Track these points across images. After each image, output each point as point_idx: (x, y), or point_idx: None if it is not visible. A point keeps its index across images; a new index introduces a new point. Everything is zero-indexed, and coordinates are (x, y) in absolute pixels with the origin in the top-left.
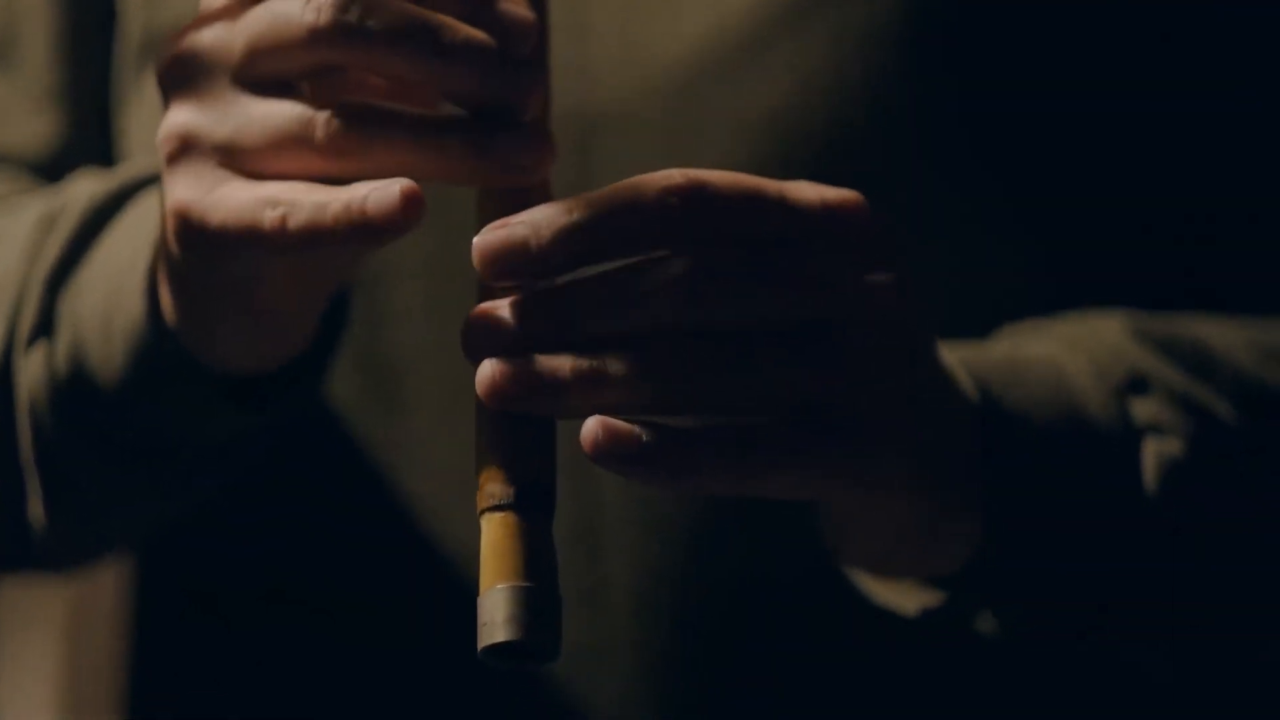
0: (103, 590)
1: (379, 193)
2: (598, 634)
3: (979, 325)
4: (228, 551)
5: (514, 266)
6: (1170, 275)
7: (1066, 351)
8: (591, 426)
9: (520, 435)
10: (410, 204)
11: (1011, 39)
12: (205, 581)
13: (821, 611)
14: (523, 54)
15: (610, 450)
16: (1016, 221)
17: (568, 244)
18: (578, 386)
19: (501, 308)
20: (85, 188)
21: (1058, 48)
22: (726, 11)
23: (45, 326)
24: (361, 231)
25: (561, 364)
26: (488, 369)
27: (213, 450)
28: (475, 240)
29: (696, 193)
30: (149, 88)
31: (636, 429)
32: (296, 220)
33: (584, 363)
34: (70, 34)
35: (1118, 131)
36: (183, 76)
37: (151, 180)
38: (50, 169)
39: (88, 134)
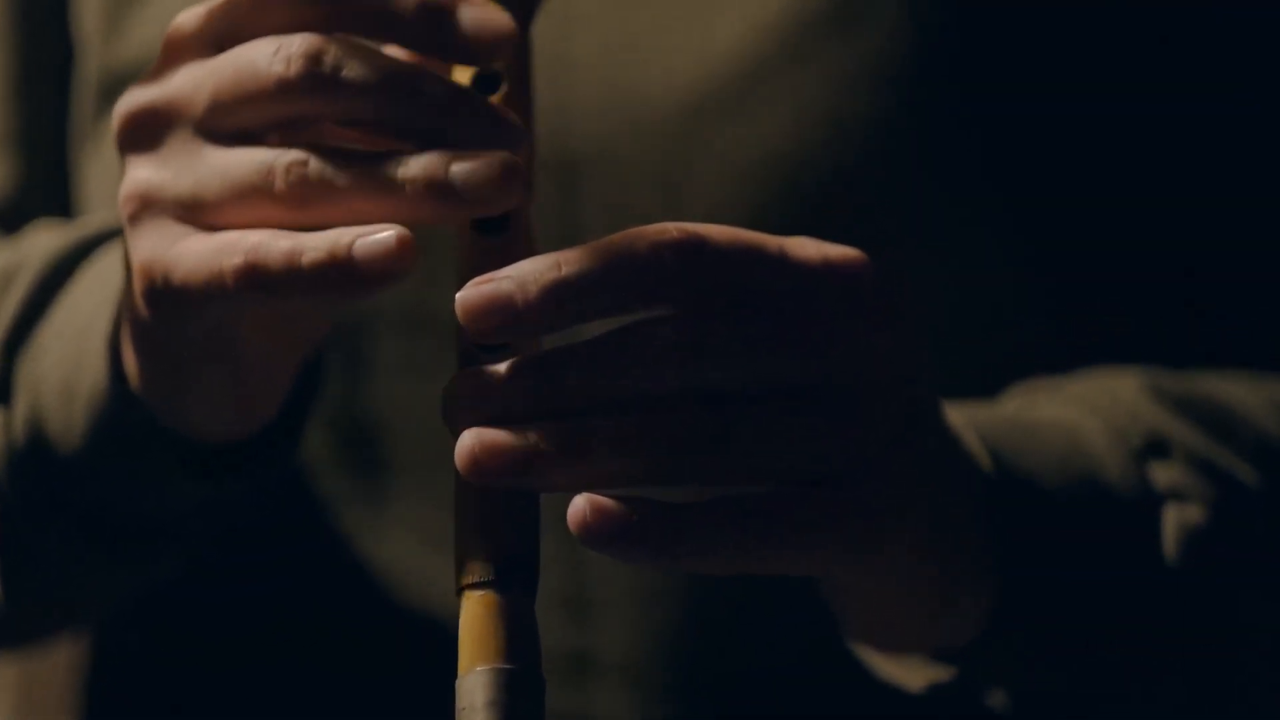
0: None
1: (368, 239)
2: (583, 704)
3: (986, 367)
4: (193, 614)
5: (499, 323)
6: (1183, 309)
7: (1081, 412)
8: (580, 506)
9: (502, 508)
10: (404, 251)
11: (1018, 77)
12: (169, 645)
13: (820, 683)
14: (498, 65)
15: (601, 531)
16: (1026, 263)
17: (556, 300)
18: (564, 461)
19: (484, 375)
20: (42, 243)
21: (1065, 86)
22: (717, 46)
23: (2, 393)
24: (345, 280)
25: (546, 436)
26: (468, 441)
27: (178, 522)
28: (459, 295)
29: (692, 248)
30: (106, 131)
31: (627, 507)
32: (266, 269)
33: (570, 435)
34: (25, 76)
35: (1131, 171)
36: (142, 132)
37: (110, 234)
38: (5, 217)
39: (44, 180)
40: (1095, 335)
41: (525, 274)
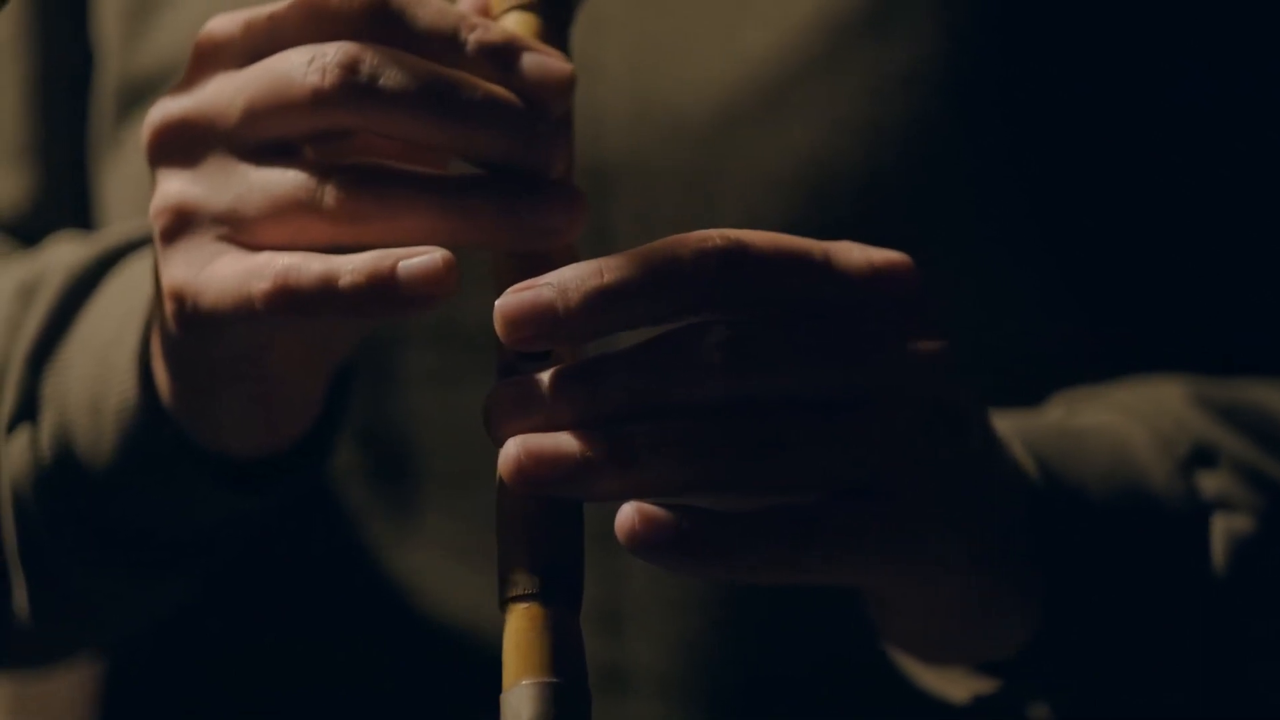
0: None
1: (414, 261)
2: (617, 718)
3: (1021, 375)
4: (216, 628)
5: (539, 330)
6: (1221, 315)
7: (1126, 420)
8: (628, 514)
9: (546, 520)
10: (450, 273)
11: (1052, 82)
12: (190, 658)
13: (861, 696)
14: (557, 111)
15: (649, 540)
16: (1061, 268)
17: (597, 308)
18: (610, 468)
19: (526, 384)
20: (64, 254)
21: (1100, 92)
22: (749, 53)
23: (28, 409)
24: (386, 302)
25: (592, 444)
26: (513, 449)
27: (205, 538)
28: (498, 302)
29: (736, 254)
30: (127, 140)
31: (676, 516)
32: (299, 292)
33: (617, 443)
34: (43, 85)
35: (1165, 176)
36: (174, 144)
37: (134, 245)
38: (23, 228)
39: (62, 190)
40: (1132, 342)
41: (567, 280)
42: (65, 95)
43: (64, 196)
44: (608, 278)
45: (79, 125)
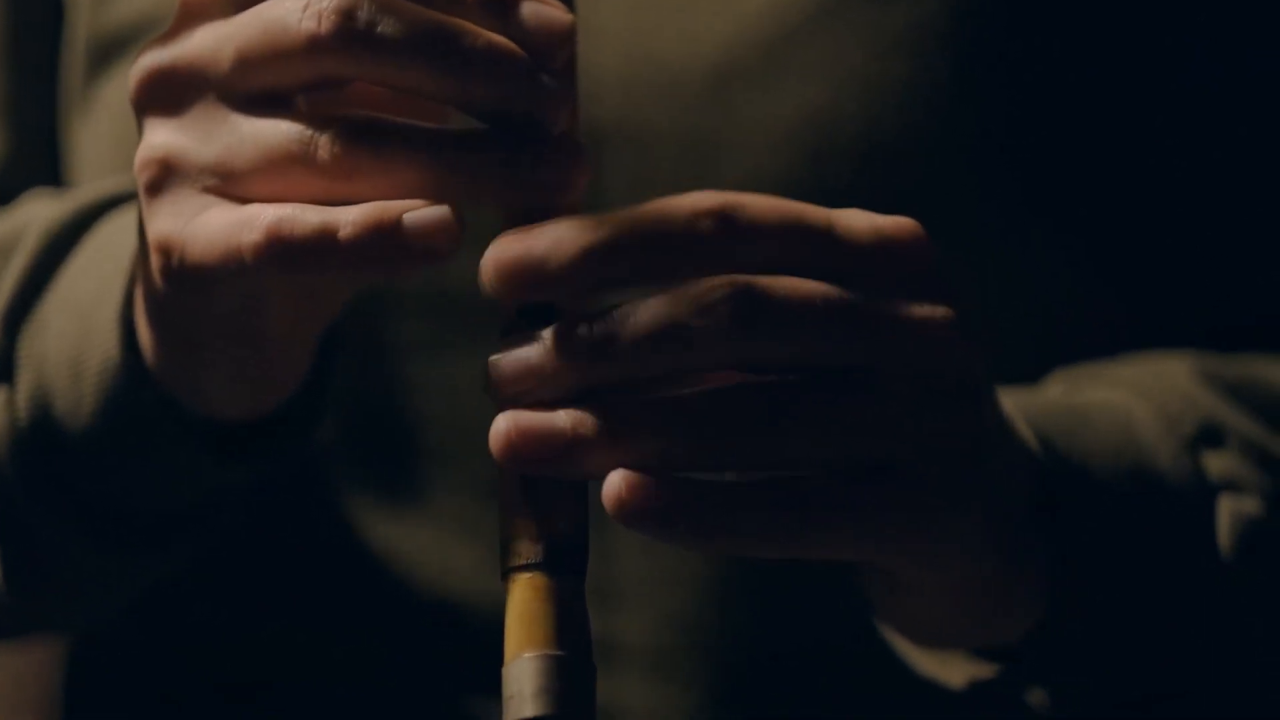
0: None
1: (420, 213)
2: (609, 692)
3: (1026, 345)
4: (202, 606)
5: (527, 283)
6: (1222, 288)
7: (1132, 398)
8: (615, 483)
9: (550, 486)
10: (455, 228)
11: (1063, 41)
12: (169, 638)
13: (855, 677)
14: (557, 62)
15: (637, 509)
16: (1066, 236)
17: (589, 266)
18: (606, 445)
19: (526, 350)
20: (40, 211)
21: (1110, 52)
22: (748, 9)
23: (4, 370)
24: (390, 256)
25: (586, 421)
26: (503, 425)
27: (188, 508)
28: (488, 252)
29: (730, 217)
30: (98, 97)
31: (664, 484)
32: (293, 244)
33: (612, 418)
34: (12, 41)
35: (1179, 137)
36: (161, 93)
37: (112, 202)
38: None
39: (34, 148)
40: (1137, 313)
41: (560, 235)
42: (36, 52)
43: (38, 154)
44: (601, 234)
45: (50, 82)
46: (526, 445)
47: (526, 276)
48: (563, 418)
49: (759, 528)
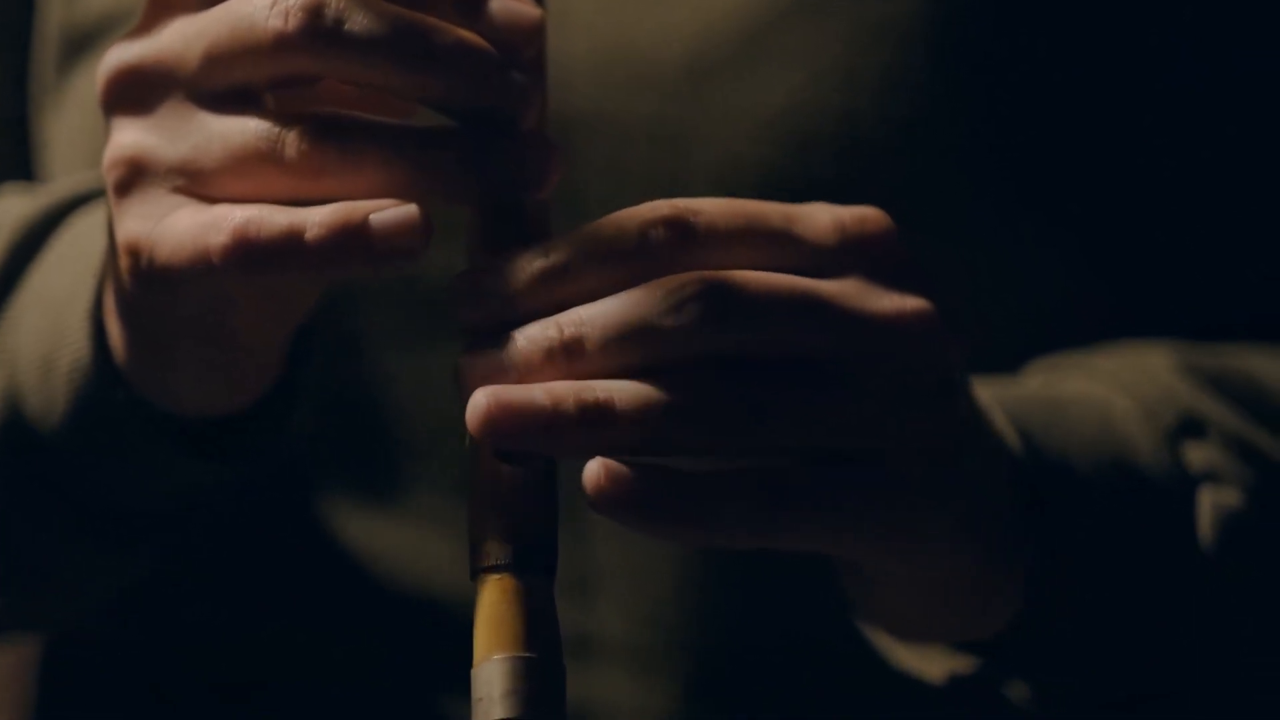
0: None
1: (388, 213)
2: (584, 688)
3: (1009, 339)
4: (178, 606)
5: (490, 313)
6: (1207, 278)
7: (1111, 389)
8: (595, 470)
9: (519, 486)
10: (424, 228)
11: (1046, 31)
12: (145, 636)
13: (833, 671)
14: (526, 56)
15: (616, 498)
16: (1049, 227)
17: (545, 292)
18: (582, 420)
19: (500, 345)
20: (10, 207)
21: (1094, 43)
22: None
23: None
24: (357, 256)
25: (564, 394)
26: (482, 399)
27: (163, 507)
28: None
29: (685, 224)
30: (70, 91)
31: (644, 474)
32: (260, 245)
33: (588, 394)
34: None
35: (1157, 127)
36: (129, 92)
37: (83, 198)
38: None
39: (6, 143)
40: (1122, 305)
41: (512, 266)
42: (6, 44)
43: (7, 149)
44: (553, 259)
45: (21, 75)
46: (505, 418)
47: (487, 306)
48: (543, 394)
49: (736, 517)
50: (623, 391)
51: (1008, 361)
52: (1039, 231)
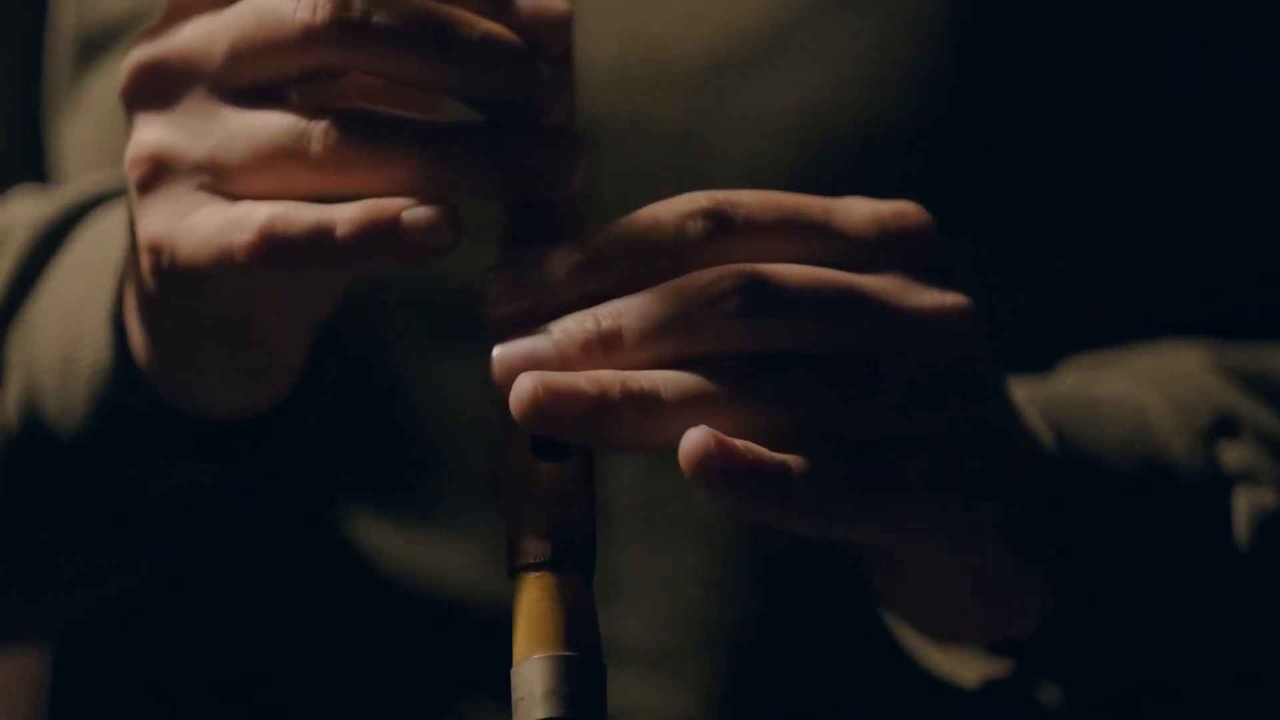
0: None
1: (419, 210)
2: (611, 693)
3: (1022, 338)
4: (192, 600)
5: (525, 309)
6: (1214, 279)
7: (1145, 389)
8: (700, 438)
9: (558, 482)
10: (454, 226)
11: (1063, 33)
12: (160, 636)
13: (859, 674)
14: (554, 51)
15: (723, 469)
16: (1062, 228)
17: (581, 285)
18: (628, 408)
19: (538, 335)
20: (27, 209)
21: (1110, 44)
22: None
23: None
24: (388, 254)
25: (610, 382)
26: (529, 384)
27: (180, 508)
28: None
29: (724, 216)
30: (85, 92)
31: (748, 447)
32: (286, 242)
33: (634, 383)
34: None
35: (1174, 129)
36: (152, 87)
37: (100, 199)
38: None
39: (20, 143)
40: (1144, 302)
41: (549, 260)
42: (20, 45)
43: (23, 150)
44: (589, 252)
45: (35, 76)
46: (552, 403)
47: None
48: (586, 382)
49: (815, 503)
50: (668, 381)
51: (1021, 358)
52: (1052, 230)
